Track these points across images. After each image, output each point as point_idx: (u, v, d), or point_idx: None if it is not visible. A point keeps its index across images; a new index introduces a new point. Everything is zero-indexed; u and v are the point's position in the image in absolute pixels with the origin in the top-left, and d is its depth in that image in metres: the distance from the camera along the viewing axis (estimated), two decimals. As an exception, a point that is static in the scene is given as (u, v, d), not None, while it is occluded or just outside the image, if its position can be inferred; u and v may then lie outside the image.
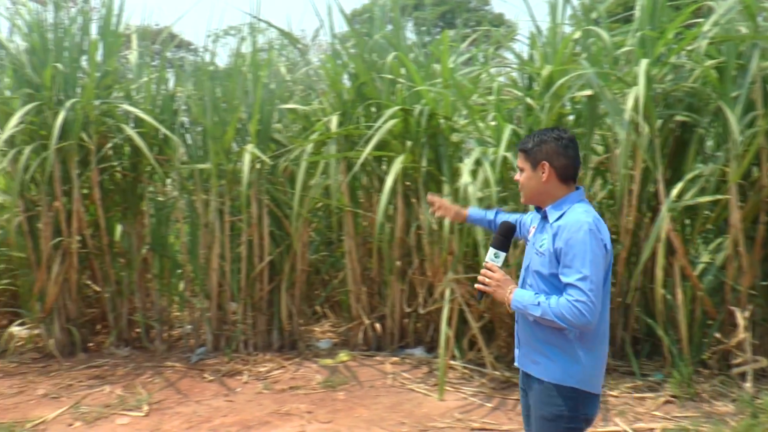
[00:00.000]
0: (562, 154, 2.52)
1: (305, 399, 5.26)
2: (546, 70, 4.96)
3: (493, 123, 5.27)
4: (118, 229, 6.93)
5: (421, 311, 5.97)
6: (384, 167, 5.99)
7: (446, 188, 5.29)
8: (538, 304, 2.41)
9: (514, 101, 5.55)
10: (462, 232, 5.32)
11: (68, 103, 5.83)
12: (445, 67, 5.26)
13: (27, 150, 5.88)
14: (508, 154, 4.97)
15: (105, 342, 6.74)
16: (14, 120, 5.70)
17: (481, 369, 5.64)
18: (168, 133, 6.07)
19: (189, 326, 6.77)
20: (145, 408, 5.10)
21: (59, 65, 5.99)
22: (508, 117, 5.40)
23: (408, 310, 6.08)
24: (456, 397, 5.21)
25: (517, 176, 2.66)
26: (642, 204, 5.40)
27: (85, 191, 6.43)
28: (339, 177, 5.90)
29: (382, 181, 6.14)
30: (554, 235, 2.45)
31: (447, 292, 5.31)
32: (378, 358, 6.08)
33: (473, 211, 3.29)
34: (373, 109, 6.05)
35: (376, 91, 5.79)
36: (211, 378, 5.73)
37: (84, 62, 6.39)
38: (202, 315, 6.55)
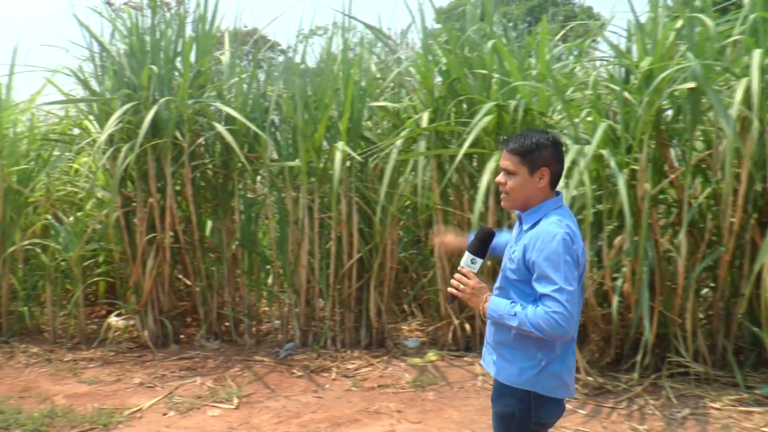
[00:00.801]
0: (558, 161, 2.49)
1: (394, 398, 5.21)
2: (646, 62, 4.72)
3: (588, 119, 5.06)
4: (209, 225, 7.10)
5: (512, 312, 5.81)
6: (475, 164, 5.87)
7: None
8: (515, 314, 2.36)
9: (610, 96, 5.32)
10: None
11: (162, 101, 5.99)
12: (542, 60, 5.08)
13: (125, 148, 6.07)
14: (604, 152, 4.76)
15: (195, 334, 6.90)
16: (113, 119, 5.90)
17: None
18: (258, 131, 6.14)
19: (277, 321, 6.84)
20: (235, 401, 5.17)
21: (155, 67, 6.16)
22: (604, 112, 5.17)
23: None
24: (549, 402, 5.04)
25: (501, 178, 2.52)
26: (747, 204, 5.08)
27: (178, 188, 6.60)
28: (429, 174, 5.81)
29: (472, 178, 6.03)
30: (525, 246, 2.40)
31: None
32: (467, 358, 5.96)
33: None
34: (464, 106, 5.93)
35: (468, 87, 5.67)
36: (300, 373, 5.76)
37: (178, 63, 6.56)
38: (290, 311, 6.61)
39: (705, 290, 5.76)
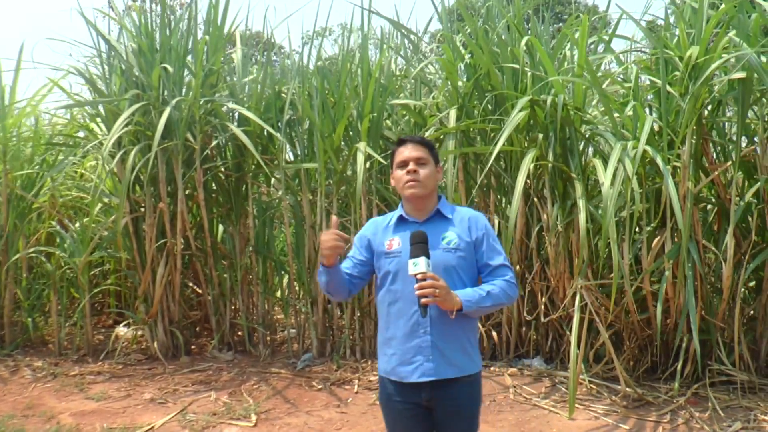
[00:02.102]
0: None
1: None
2: (694, 52, 4.41)
3: (629, 113, 4.76)
4: (221, 230, 6.83)
5: (543, 320, 5.52)
6: (502, 163, 5.58)
7: (578, 186, 4.81)
8: (488, 293, 2.44)
9: (650, 89, 5.02)
10: (590, 233, 4.85)
11: (174, 101, 5.70)
12: (581, 53, 4.77)
13: (134, 151, 5.79)
14: (648, 148, 4.46)
15: (208, 345, 6.62)
16: (121, 120, 5.61)
17: (610, 384, 5.15)
18: (272, 131, 5.86)
19: (293, 330, 6.55)
20: (253, 417, 4.87)
21: (168, 66, 5.88)
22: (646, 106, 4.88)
23: (529, 318, 5.62)
24: (587, 416, 4.72)
25: (413, 167, 2.55)
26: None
27: (189, 192, 6.32)
28: (457, 174, 5.51)
29: (498, 177, 5.74)
30: (468, 228, 2.54)
31: (577, 300, 4.84)
32: (494, 368, 5.67)
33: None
34: (489, 103, 5.64)
35: (498, 82, 5.37)
36: (320, 386, 5.46)
37: (190, 61, 6.29)
38: (307, 319, 6.32)
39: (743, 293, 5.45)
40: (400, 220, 2.65)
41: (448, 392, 2.50)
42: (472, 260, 2.52)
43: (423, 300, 2.32)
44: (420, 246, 2.39)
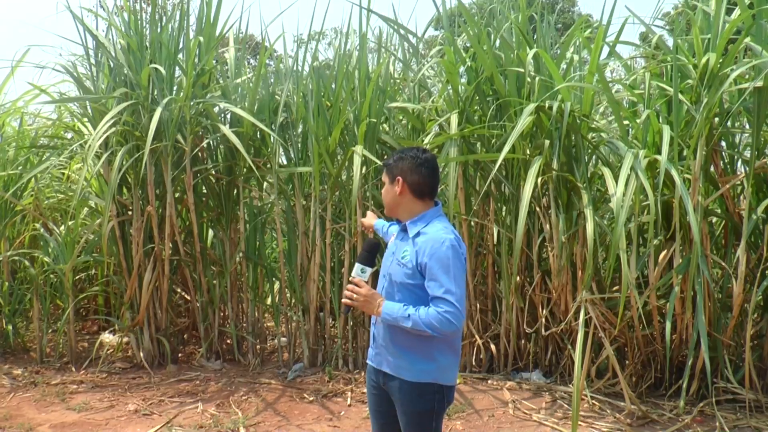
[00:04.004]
0: (415, 171, 2.67)
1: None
2: (711, 60, 4.24)
3: (640, 122, 4.58)
4: (211, 235, 6.61)
5: (544, 333, 5.34)
6: (503, 171, 5.40)
7: (584, 195, 4.63)
8: (408, 316, 2.51)
9: (659, 96, 4.85)
10: (596, 246, 4.68)
11: (164, 101, 5.49)
12: (594, 57, 4.57)
13: (121, 151, 5.58)
14: (660, 158, 4.28)
15: (195, 353, 6.41)
16: (107, 118, 5.37)
17: (613, 401, 4.98)
18: (267, 129, 5.65)
19: (284, 339, 6.34)
20: (242, 431, 4.66)
21: (157, 66, 5.66)
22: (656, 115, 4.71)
23: (529, 330, 5.44)
24: (589, 434, 4.56)
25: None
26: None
27: (178, 195, 6.11)
28: (457, 181, 5.32)
29: (499, 185, 5.57)
30: (417, 251, 2.58)
31: (581, 314, 4.66)
32: (491, 381, 5.48)
33: (378, 223, 3.39)
34: (492, 108, 5.46)
35: (501, 86, 5.19)
36: (311, 398, 5.26)
37: (181, 59, 6.07)
38: (298, 328, 6.12)
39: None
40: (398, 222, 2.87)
41: (390, 384, 2.71)
42: (420, 281, 2.58)
43: (343, 300, 2.65)
44: (363, 254, 2.69)
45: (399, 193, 2.69)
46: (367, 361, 2.87)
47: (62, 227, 6.42)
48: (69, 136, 6.93)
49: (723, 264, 4.81)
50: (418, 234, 2.63)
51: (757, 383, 4.84)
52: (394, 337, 2.65)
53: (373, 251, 2.69)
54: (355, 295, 2.60)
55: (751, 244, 4.94)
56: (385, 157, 5.82)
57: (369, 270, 2.66)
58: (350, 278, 2.63)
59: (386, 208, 2.80)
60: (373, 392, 2.87)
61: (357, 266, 2.65)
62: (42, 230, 6.36)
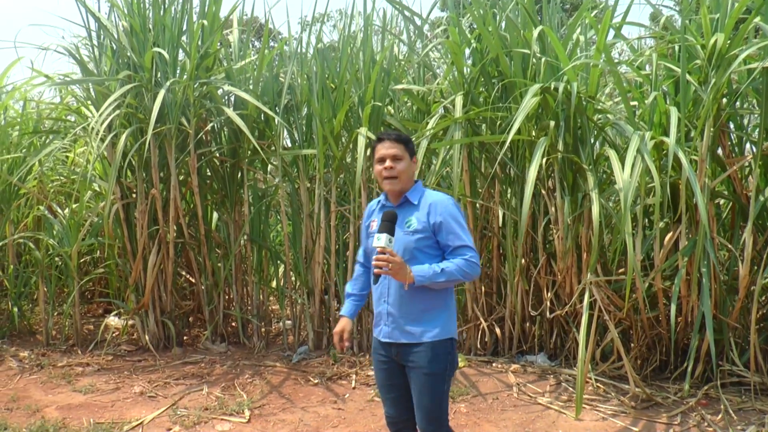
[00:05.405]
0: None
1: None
2: (719, 40, 4.17)
3: (648, 103, 4.53)
4: (215, 218, 6.61)
5: (549, 315, 5.33)
6: (508, 153, 5.36)
7: (590, 177, 4.59)
8: (442, 271, 2.71)
9: (666, 77, 4.79)
10: (602, 228, 4.64)
11: (168, 83, 5.46)
12: (601, 37, 4.50)
13: (125, 134, 5.56)
14: (667, 139, 4.24)
15: (200, 336, 6.42)
16: (110, 100, 5.34)
17: (617, 384, 4.97)
18: (270, 113, 5.62)
19: (288, 322, 6.35)
20: (247, 413, 4.67)
21: (160, 49, 5.62)
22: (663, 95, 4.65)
23: (533, 313, 5.43)
24: (594, 417, 4.54)
25: (390, 164, 2.85)
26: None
27: (182, 178, 6.09)
28: (462, 164, 5.28)
29: (504, 167, 5.54)
30: (428, 213, 2.81)
31: (586, 296, 4.64)
32: (496, 365, 5.48)
33: (349, 311, 3.18)
34: (497, 89, 5.41)
35: (506, 67, 5.14)
36: (316, 381, 5.27)
37: (184, 42, 6.03)
38: (303, 311, 6.12)
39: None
40: (381, 207, 3.01)
41: (408, 352, 2.86)
42: (432, 241, 2.82)
43: (375, 270, 2.68)
44: (385, 224, 2.73)
45: (415, 168, 2.96)
46: (377, 338, 2.99)
47: (66, 210, 6.43)
48: (72, 119, 6.91)
49: (729, 246, 4.77)
50: (420, 201, 2.87)
51: (763, 366, 4.81)
52: (413, 305, 2.83)
53: (394, 220, 2.77)
54: (390, 264, 2.65)
55: (759, 226, 4.90)
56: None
57: (394, 239, 2.74)
58: (379, 249, 2.67)
59: (402, 183, 2.88)
60: (384, 367, 3.00)
61: (384, 236, 2.69)
62: (47, 213, 6.36)
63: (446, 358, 2.84)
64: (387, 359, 2.97)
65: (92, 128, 5.31)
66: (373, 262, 2.69)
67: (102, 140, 5.74)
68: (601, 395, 4.88)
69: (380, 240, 2.69)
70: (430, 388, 2.83)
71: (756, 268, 4.67)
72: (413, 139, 5.12)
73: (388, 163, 2.86)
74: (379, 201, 3.08)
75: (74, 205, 6.32)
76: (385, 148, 2.89)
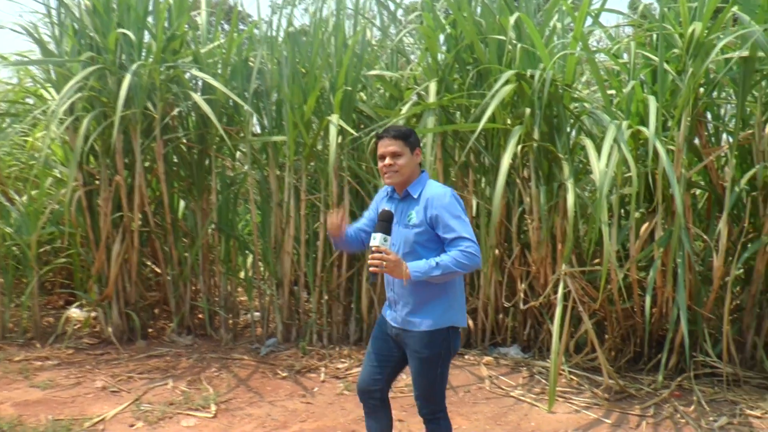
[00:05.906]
0: (419, 144, 3.05)
1: (393, 404, 4.56)
2: (697, 28, 4.11)
3: (623, 91, 4.46)
4: (182, 206, 6.41)
5: (522, 307, 5.25)
6: (482, 141, 5.26)
7: (565, 167, 4.51)
8: (437, 264, 2.75)
9: (644, 66, 4.72)
10: (577, 218, 4.58)
11: (133, 67, 5.25)
12: (578, 25, 4.41)
13: (87, 118, 5.34)
14: (644, 129, 4.17)
15: (166, 329, 6.24)
16: (72, 83, 5.12)
17: (591, 375, 4.92)
18: (238, 100, 5.45)
19: (257, 314, 6.19)
20: (213, 408, 4.52)
21: (124, 29, 5.40)
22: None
23: (507, 305, 5.35)
24: (567, 409, 4.49)
25: (389, 161, 2.91)
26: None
27: (148, 164, 5.89)
28: (435, 152, 5.18)
29: (478, 155, 5.44)
30: (425, 207, 2.86)
31: (560, 288, 4.57)
32: (468, 357, 5.40)
33: (350, 230, 3.31)
34: (471, 76, 5.30)
35: (482, 54, 5.03)
36: (284, 374, 5.14)
37: (150, 23, 5.81)
38: (271, 302, 5.97)
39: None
40: (389, 196, 3.12)
41: (406, 336, 3.00)
42: (431, 235, 2.87)
43: (371, 269, 2.74)
44: (381, 224, 2.80)
45: (418, 162, 2.99)
46: (383, 315, 3.18)
47: (25, 197, 6.18)
48: (31, 102, 6.64)
49: (705, 237, 4.74)
50: (420, 194, 2.92)
51: (735, 357, 4.80)
52: (416, 296, 2.93)
53: (390, 220, 2.84)
54: (384, 263, 2.71)
55: (734, 217, 4.88)
56: (362, 126, 5.67)
57: (389, 238, 2.81)
58: (374, 248, 2.74)
59: (402, 177, 2.94)
60: (381, 337, 3.18)
61: (379, 236, 2.76)
62: (3, 200, 6.11)
63: (441, 344, 2.94)
64: (386, 336, 3.15)
65: (52, 111, 5.09)
66: (369, 261, 2.76)
67: (63, 124, 5.51)
68: (574, 387, 4.82)
69: (375, 239, 2.76)
70: (424, 371, 2.97)
71: (730, 258, 4.64)
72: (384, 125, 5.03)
73: (387, 160, 2.93)
74: (386, 190, 3.17)
75: (33, 192, 6.07)
76: (384, 146, 2.95)
